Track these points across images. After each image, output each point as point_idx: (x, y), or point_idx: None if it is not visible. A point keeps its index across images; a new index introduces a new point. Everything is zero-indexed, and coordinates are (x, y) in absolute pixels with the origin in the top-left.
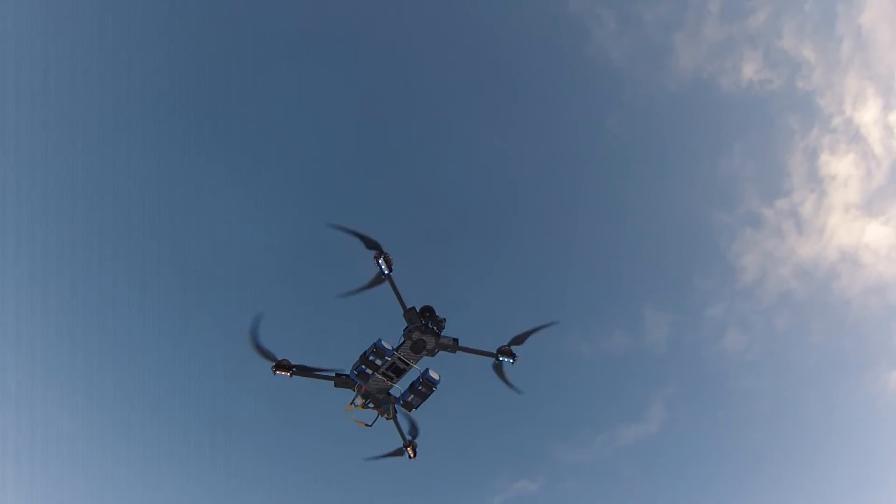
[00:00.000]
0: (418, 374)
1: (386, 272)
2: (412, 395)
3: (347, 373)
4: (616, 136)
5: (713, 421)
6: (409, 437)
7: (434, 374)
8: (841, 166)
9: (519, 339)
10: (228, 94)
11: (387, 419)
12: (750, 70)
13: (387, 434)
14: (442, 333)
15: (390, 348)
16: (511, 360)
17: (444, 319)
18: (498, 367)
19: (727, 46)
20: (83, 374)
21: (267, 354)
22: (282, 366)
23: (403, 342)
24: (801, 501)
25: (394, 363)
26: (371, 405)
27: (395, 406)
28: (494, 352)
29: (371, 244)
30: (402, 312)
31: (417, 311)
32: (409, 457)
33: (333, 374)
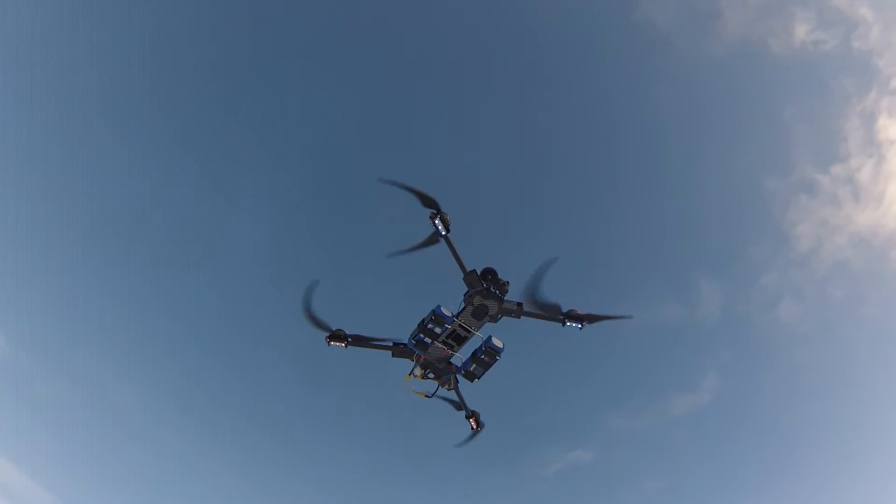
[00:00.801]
0: (480, 342)
1: (443, 233)
2: (474, 365)
3: (405, 342)
4: (664, 103)
5: (766, 392)
6: (471, 408)
7: (498, 342)
8: None
9: (590, 318)
10: (228, 93)
11: (448, 389)
12: (802, 31)
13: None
14: (505, 297)
15: (450, 315)
16: (580, 326)
17: (507, 283)
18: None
19: (777, 7)
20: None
21: (320, 324)
22: (337, 335)
23: (464, 308)
24: (854, 476)
25: (454, 331)
26: (431, 375)
27: (457, 376)
28: (562, 315)
29: (428, 202)
30: (462, 276)
31: (478, 273)
32: (472, 427)
33: (391, 344)
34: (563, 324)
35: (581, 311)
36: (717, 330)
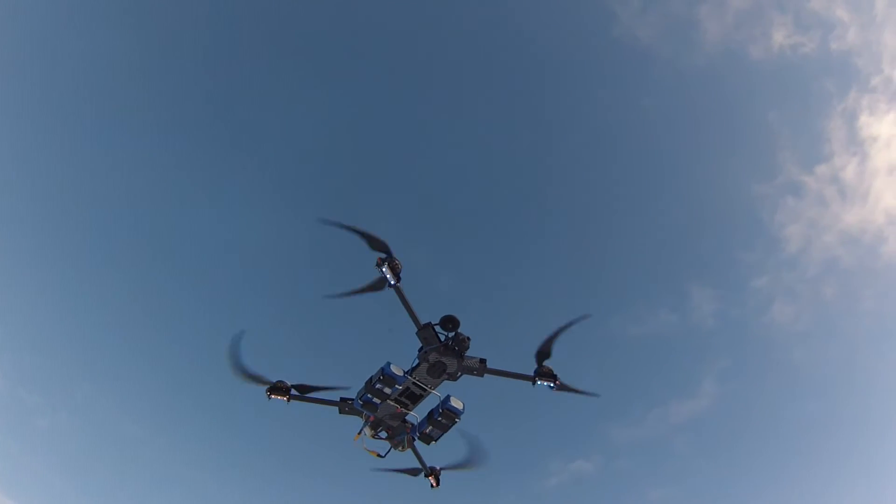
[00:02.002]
0: (438, 402)
1: (392, 282)
2: (430, 427)
3: (353, 398)
4: (651, 115)
5: (765, 392)
6: (431, 465)
7: (457, 403)
8: (882, 127)
9: (545, 349)
10: (226, 93)
11: (401, 451)
12: (780, 35)
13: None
14: (466, 354)
15: (402, 374)
16: (552, 385)
17: (468, 338)
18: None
19: (755, 13)
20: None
21: (255, 378)
22: (278, 388)
23: (418, 365)
24: (859, 471)
25: (408, 388)
26: (383, 435)
27: (413, 436)
28: (532, 374)
29: (377, 245)
30: (416, 330)
31: (435, 324)
32: (433, 486)
33: (338, 400)
34: (534, 382)
35: (555, 371)
36: (713, 335)
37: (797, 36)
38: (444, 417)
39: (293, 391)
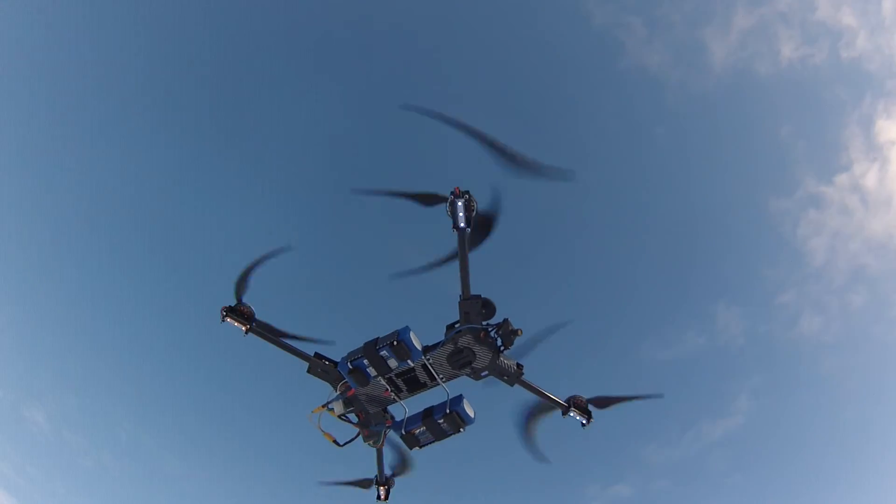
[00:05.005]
0: (445, 401)
1: (462, 224)
2: (423, 427)
3: (335, 360)
4: (664, 143)
5: (800, 405)
6: (388, 473)
7: (469, 409)
8: None
9: (602, 403)
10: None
11: (371, 445)
12: (788, 49)
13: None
14: (504, 352)
15: (419, 348)
16: (584, 421)
17: (519, 331)
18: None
19: (760, 30)
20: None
21: (240, 289)
22: (239, 312)
23: (443, 344)
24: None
25: (413, 370)
26: (353, 419)
27: (391, 432)
28: (565, 402)
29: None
30: (460, 297)
31: (483, 304)
32: (379, 497)
33: (312, 355)
34: (565, 412)
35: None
36: (743, 353)
37: (805, 48)
38: (447, 422)
39: (256, 323)
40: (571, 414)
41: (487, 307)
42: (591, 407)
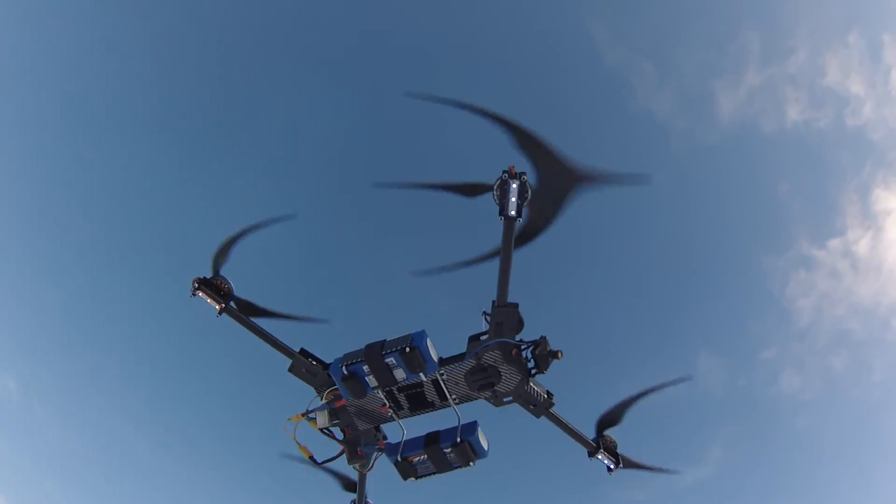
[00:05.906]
0: (456, 427)
1: (511, 213)
2: (424, 455)
3: (326, 361)
4: (665, 190)
5: (772, 459)
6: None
7: (483, 440)
8: None
9: (615, 415)
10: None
11: (356, 469)
12: (794, 112)
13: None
14: (535, 376)
15: (435, 360)
16: (611, 465)
17: (559, 354)
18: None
19: (768, 89)
20: None
21: (218, 260)
22: (215, 286)
23: (465, 358)
24: None
25: (421, 385)
26: (338, 435)
27: (382, 455)
28: (594, 441)
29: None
30: (493, 303)
31: (520, 315)
32: None
33: (297, 350)
34: (592, 454)
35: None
36: (720, 403)
37: (811, 111)
38: (455, 452)
39: (235, 301)
40: (599, 457)
41: (521, 322)
42: (615, 441)
